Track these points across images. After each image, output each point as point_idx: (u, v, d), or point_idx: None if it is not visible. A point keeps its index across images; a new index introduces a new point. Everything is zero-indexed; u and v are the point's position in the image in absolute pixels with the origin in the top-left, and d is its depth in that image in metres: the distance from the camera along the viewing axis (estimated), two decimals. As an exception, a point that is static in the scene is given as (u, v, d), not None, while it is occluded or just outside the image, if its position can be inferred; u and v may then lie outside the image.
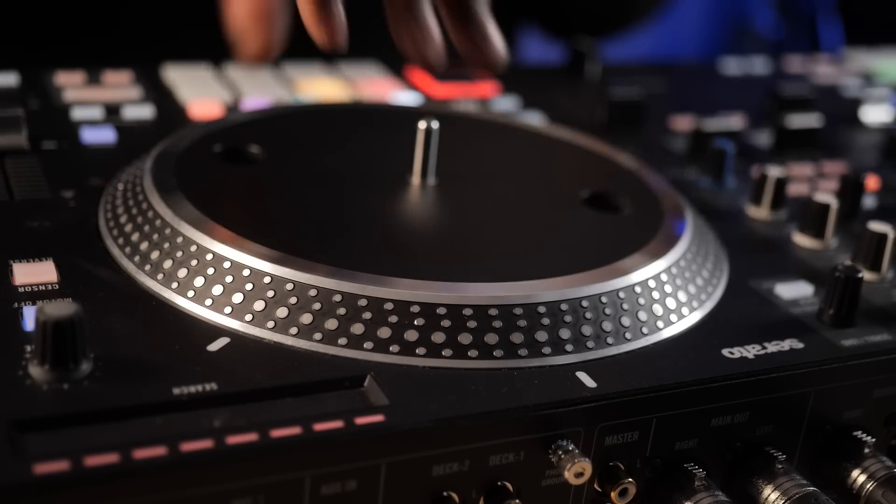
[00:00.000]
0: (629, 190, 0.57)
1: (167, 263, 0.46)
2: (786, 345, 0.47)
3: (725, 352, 0.46)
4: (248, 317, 0.46)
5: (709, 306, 0.50)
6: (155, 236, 0.48)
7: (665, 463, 0.44)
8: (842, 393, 0.47)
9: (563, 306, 0.48)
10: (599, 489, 0.43)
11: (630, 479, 0.43)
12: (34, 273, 0.45)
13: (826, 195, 0.58)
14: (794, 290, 0.52)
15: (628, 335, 0.46)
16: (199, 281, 0.46)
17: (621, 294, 0.47)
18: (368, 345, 0.45)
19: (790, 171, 0.66)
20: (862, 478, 0.46)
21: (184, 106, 0.67)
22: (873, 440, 0.48)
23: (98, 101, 0.65)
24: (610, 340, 0.45)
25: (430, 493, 0.40)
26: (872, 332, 0.49)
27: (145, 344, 0.41)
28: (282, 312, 0.47)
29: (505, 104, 0.76)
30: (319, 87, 0.74)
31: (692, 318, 0.48)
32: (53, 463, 0.34)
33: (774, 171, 0.61)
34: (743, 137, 0.74)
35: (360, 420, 0.38)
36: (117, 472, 0.35)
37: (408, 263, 0.50)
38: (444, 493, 0.40)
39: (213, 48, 0.72)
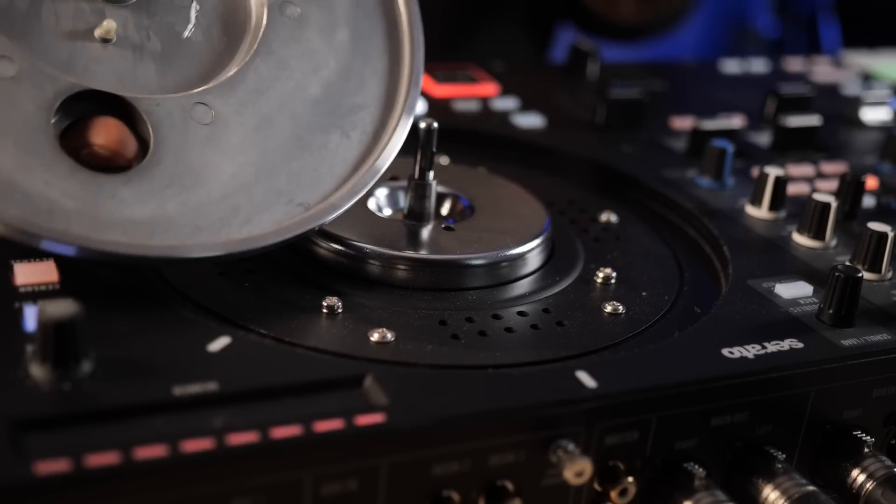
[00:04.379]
0: None
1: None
2: (785, 344, 0.47)
3: (725, 351, 0.46)
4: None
5: None
6: None
7: (665, 462, 0.44)
8: (841, 393, 0.47)
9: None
10: (599, 489, 0.43)
11: (630, 479, 0.43)
12: (35, 273, 0.45)
13: (826, 195, 0.58)
14: (793, 290, 0.52)
15: None
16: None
17: None
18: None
19: (790, 170, 0.66)
20: (861, 477, 0.46)
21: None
22: (873, 440, 0.48)
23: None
24: None
25: (430, 492, 0.40)
26: (872, 331, 0.49)
27: (145, 344, 0.42)
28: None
29: (505, 104, 0.76)
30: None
31: None
32: (54, 462, 0.34)
33: (774, 171, 0.61)
34: (743, 137, 0.74)
35: (360, 420, 0.38)
36: (118, 471, 0.35)
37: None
38: (444, 493, 0.40)
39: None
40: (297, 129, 0.49)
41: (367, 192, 0.49)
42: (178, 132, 0.46)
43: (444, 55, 0.86)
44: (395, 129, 0.50)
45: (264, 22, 0.50)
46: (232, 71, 0.49)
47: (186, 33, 0.48)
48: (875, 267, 0.54)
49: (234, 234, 0.45)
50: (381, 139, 0.50)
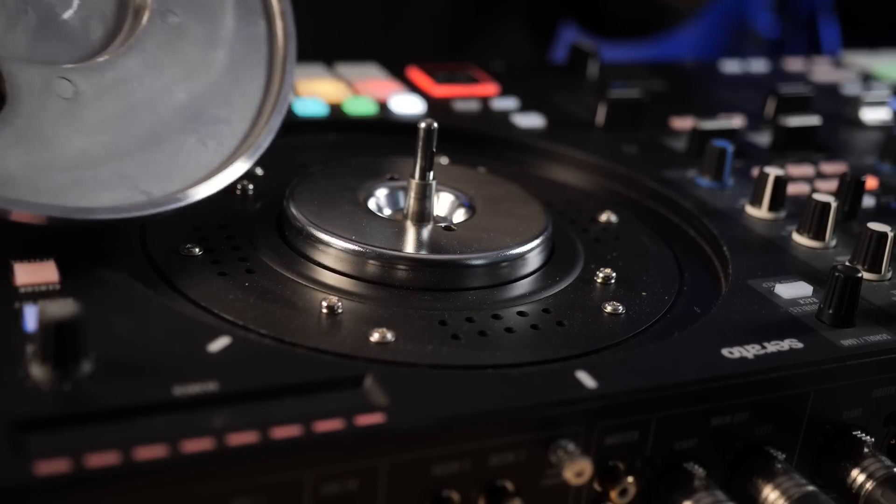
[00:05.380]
0: None
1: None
2: (785, 345, 0.47)
3: (725, 351, 0.46)
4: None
5: None
6: None
7: (665, 462, 0.44)
8: (841, 393, 0.47)
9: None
10: (599, 489, 0.43)
11: (630, 479, 0.43)
12: (35, 273, 0.45)
13: (826, 195, 0.58)
14: (793, 290, 0.52)
15: None
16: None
17: None
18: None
19: (789, 170, 0.66)
20: (861, 477, 0.46)
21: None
22: (872, 440, 0.48)
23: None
24: None
25: (430, 492, 0.40)
26: (872, 331, 0.49)
27: (145, 344, 0.42)
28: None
29: (505, 104, 0.76)
30: (319, 88, 0.74)
31: None
32: (54, 462, 0.34)
33: (774, 171, 0.61)
34: (743, 137, 0.74)
35: (360, 420, 0.38)
36: (118, 472, 0.35)
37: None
38: (444, 493, 0.40)
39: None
40: (156, 125, 0.51)
41: (212, 194, 0.51)
42: (36, 99, 0.47)
43: (445, 55, 0.86)
44: (252, 146, 0.53)
45: (144, 22, 0.52)
46: (103, 58, 0.51)
47: (65, 16, 0.50)
48: (875, 267, 0.54)
49: (71, 202, 0.46)
50: (237, 152, 0.52)
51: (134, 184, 0.48)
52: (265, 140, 0.53)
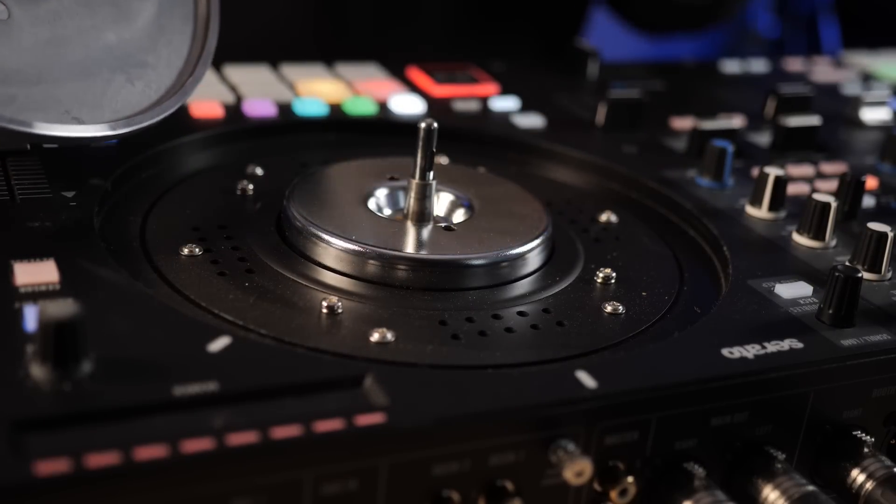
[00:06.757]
0: None
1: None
2: (785, 345, 0.47)
3: (725, 351, 0.46)
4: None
5: None
6: None
7: (665, 462, 0.44)
8: (841, 392, 0.47)
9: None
10: (599, 489, 0.43)
11: (630, 479, 0.43)
12: (35, 273, 0.45)
13: (826, 195, 0.58)
14: (793, 290, 0.52)
15: None
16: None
17: None
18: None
19: (790, 170, 0.66)
20: (861, 477, 0.46)
21: (185, 106, 0.67)
22: (872, 440, 0.48)
23: (98, 102, 0.65)
24: None
25: (430, 492, 0.40)
26: (872, 331, 0.49)
27: (145, 344, 0.42)
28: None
29: (505, 104, 0.76)
30: (319, 88, 0.74)
31: None
32: (54, 462, 0.34)
33: (774, 171, 0.61)
34: (743, 137, 0.74)
35: (360, 420, 0.38)
36: (118, 472, 0.35)
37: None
38: (444, 493, 0.40)
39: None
40: (87, 59, 0.54)
41: (138, 129, 0.53)
42: None
43: (446, 55, 0.86)
44: (179, 91, 0.56)
45: None
46: None
47: None
48: (875, 267, 0.54)
49: (8, 115, 0.48)
50: (163, 97, 0.56)
51: (65, 108, 0.51)
52: (191, 87, 0.57)
